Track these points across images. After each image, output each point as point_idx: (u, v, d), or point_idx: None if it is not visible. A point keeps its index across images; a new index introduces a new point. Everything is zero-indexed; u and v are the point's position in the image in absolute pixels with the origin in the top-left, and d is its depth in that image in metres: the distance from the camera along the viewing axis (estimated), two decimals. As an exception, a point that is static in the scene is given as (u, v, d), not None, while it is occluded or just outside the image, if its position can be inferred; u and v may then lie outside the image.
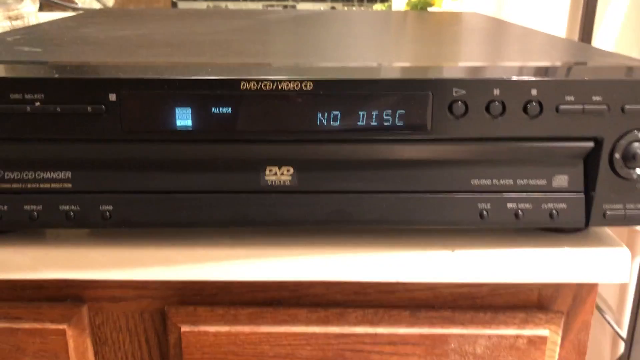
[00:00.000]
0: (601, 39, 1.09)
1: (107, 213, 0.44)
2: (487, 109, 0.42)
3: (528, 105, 0.42)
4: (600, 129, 0.43)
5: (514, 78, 0.42)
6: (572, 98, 0.42)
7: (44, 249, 0.47)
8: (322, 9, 1.19)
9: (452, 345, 0.50)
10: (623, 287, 0.91)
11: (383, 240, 0.48)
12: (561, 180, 0.45)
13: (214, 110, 0.41)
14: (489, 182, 0.45)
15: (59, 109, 0.41)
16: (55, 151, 0.42)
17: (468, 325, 0.50)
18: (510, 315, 0.50)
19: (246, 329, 0.49)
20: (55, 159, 0.43)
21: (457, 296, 0.51)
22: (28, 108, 0.40)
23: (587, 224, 0.45)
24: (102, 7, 1.11)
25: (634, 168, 0.43)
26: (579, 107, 0.42)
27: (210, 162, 0.44)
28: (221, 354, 0.50)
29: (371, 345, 0.50)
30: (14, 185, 0.43)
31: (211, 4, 1.25)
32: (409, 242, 0.47)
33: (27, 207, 0.43)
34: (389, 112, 0.42)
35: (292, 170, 0.44)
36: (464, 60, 0.52)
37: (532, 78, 0.42)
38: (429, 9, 1.07)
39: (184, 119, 0.41)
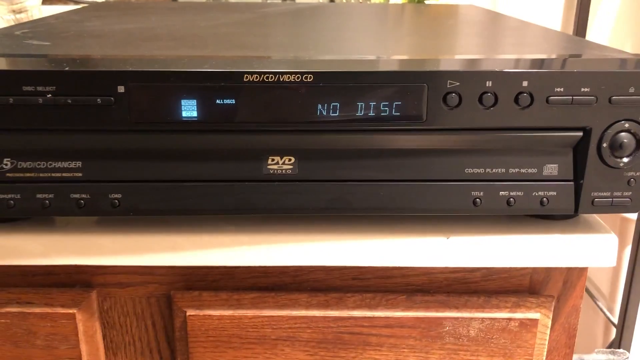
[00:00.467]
0: (595, 32, 1.10)
1: (116, 201, 0.45)
2: (480, 100, 0.44)
3: (519, 97, 0.44)
4: (588, 119, 0.44)
5: (506, 70, 0.43)
6: (561, 89, 0.44)
7: (54, 236, 0.49)
8: (321, 0, 1.20)
9: (447, 328, 0.51)
10: (615, 276, 0.93)
11: (380, 227, 0.49)
12: (551, 168, 0.46)
13: (218, 101, 0.43)
14: (482, 170, 0.46)
15: (69, 101, 0.42)
16: (66, 141, 0.44)
17: (462, 309, 0.51)
18: (503, 300, 0.52)
19: (249, 312, 0.51)
20: (65, 149, 0.45)
21: (452, 281, 0.53)
22: (40, 100, 0.42)
23: (576, 210, 0.47)
24: None
25: (620, 157, 0.45)
26: (568, 98, 0.44)
27: (214, 152, 0.45)
28: (225, 336, 0.51)
29: (369, 328, 0.51)
30: (27, 175, 0.45)
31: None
32: (406, 229, 0.49)
33: (39, 196, 0.45)
34: (386, 103, 0.44)
35: (293, 159, 0.46)
36: (458, 53, 0.54)
37: (523, 70, 0.43)
38: (426, 2, 1.08)
39: (189, 110, 0.43)
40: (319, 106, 0.43)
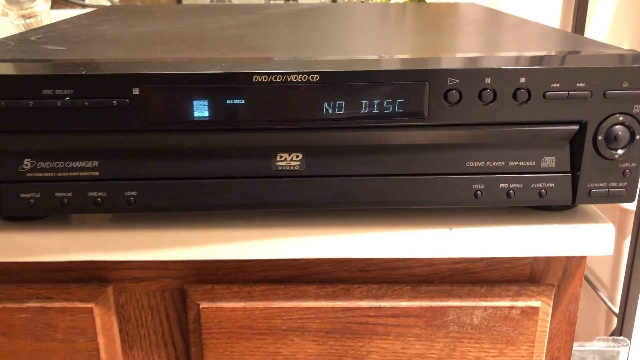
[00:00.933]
0: (594, 29, 1.12)
1: (132, 198, 0.47)
2: (480, 96, 0.45)
3: (517, 93, 0.45)
4: (584, 113, 0.46)
5: (504, 67, 0.45)
6: (557, 85, 0.45)
7: (71, 233, 0.50)
8: (323, 1, 1.22)
9: (451, 316, 0.53)
10: (616, 266, 0.95)
11: (385, 220, 0.51)
12: (549, 161, 0.48)
13: (228, 101, 0.45)
14: (482, 164, 0.48)
15: (86, 103, 0.44)
16: (84, 142, 0.46)
17: (465, 298, 0.53)
18: (505, 289, 0.53)
19: (260, 304, 0.53)
20: (83, 149, 0.46)
21: (455, 271, 0.54)
22: (59, 103, 0.44)
23: (573, 201, 0.49)
24: (109, 2, 1.14)
25: (615, 149, 0.47)
26: (564, 93, 0.45)
27: (225, 150, 0.47)
28: (237, 327, 0.53)
29: (375, 318, 0.53)
30: (46, 174, 0.47)
31: (214, -2, 1.28)
32: (410, 221, 0.51)
33: (58, 194, 0.47)
34: (389, 100, 0.46)
35: (300, 156, 0.48)
36: (458, 51, 0.56)
37: (521, 67, 0.45)
38: (427, 0, 1.10)
39: (201, 110, 0.45)
40: (325, 104, 0.45)
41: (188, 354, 0.57)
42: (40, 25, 0.95)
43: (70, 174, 0.47)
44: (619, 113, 0.46)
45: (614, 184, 0.48)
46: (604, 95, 0.45)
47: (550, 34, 0.60)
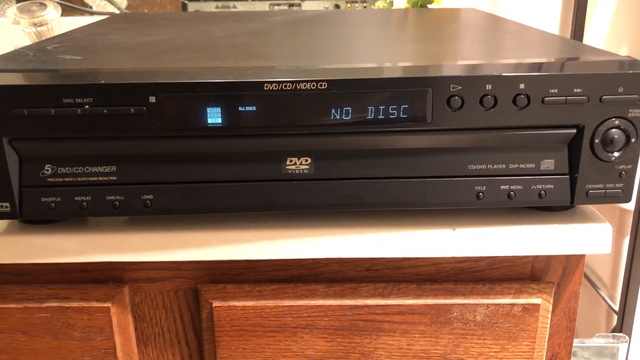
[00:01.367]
0: (593, 34, 1.14)
1: (148, 202, 0.49)
2: (481, 102, 0.47)
3: (517, 98, 0.47)
4: (581, 118, 0.48)
5: (504, 74, 0.47)
6: (555, 91, 0.47)
7: (89, 236, 0.52)
8: (326, 6, 1.24)
9: (455, 313, 0.55)
10: (616, 266, 0.97)
11: (391, 221, 0.53)
12: (548, 163, 0.50)
13: (240, 108, 0.47)
14: (484, 166, 0.50)
15: (105, 111, 0.46)
16: (102, 148, 0.48)
17: (468, 296, 0.55)
18: (506, 286, 0.55)
19: (270, 303, 0.55)
20: (102, 155, 0.49)
21: (458, 270, 0.56)
22: (79, 111, 0.46)
23: (572, 202, 0.51)
24: (116, 9, 1.16)
25: (612, 151, 0.49)
26: (562, 98, 0.47)
27: (237, 155, 0.49)
28: (249, 325, 0.55)
29: (382, 315, 0.55)
30: (66, 179, 0.49)
31: (220, 4, 1.30)
32: (414, 222, 0.53)
33: (77, 198, 0.49)
34: (394, 106, 0.47)
35: (309, 160, 0.49)
36: (460, 58, 0.58)
37: (520, 74, 0.47)
38: (429, 6, 1.12)
39: (214, 117, 0.47)
40: (333, 110, 0.47)
41: (201, 352, 0.59)
42: (51, 32, 0.97)
43: (89, 178, 0.49)
44: (615, 117, 0.48)
45: (611, 185, 0.50)
46: (600, 100, 0.47)
47: (548, 41, 0.62)
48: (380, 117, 0.48)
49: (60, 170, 0.49)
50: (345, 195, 0.50)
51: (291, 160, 0.49)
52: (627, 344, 0.78)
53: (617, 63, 0.49)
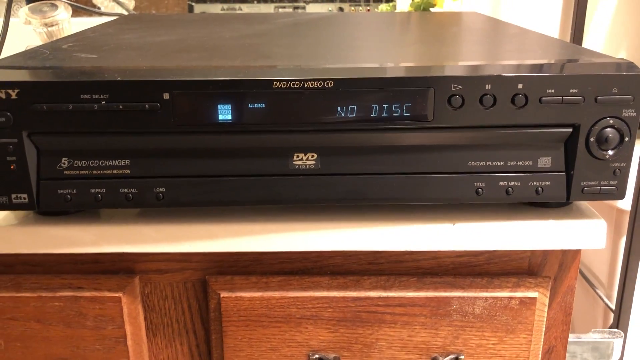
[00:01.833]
0: (592, 36, 1.16)
1: (160, 194, 0.51)
2: (481, 101, 0.49)
3: (515, 98, 0.49)
4: (577, 117, 0.50)
5: (503, 75, 0.49)
6: (552, 91, 0.49)
7: (102, 227, 0.54)
8: (330, 9, 1.26)
9: (454, 306, 0.57)
10: (612, 265, 0.98)
11: (393, 215, 0.55)
12: (545, 161, 0.52)
13: (250, 106, 0.49)
14: (483, 163, 0.52)
15: (121, 107, 0.48)
16: (117, 142, 0.50)
17: (467, 289, 0.57)
18: (504, 280, 0.57)
19: (276, 294, 0.57)
20: (116, 149, 0.51)
21: (458, 264, 0.58)
22: (95, 106, 0.48)
23: (568, 198, 0.52)
24: (124, 10, 1.18)
25: (606, 150, 0.51)
26: (559, 98, 0.49)
27: (246, 150, 0.51)
28: (255, 316, 0.57)
29: (384, 307, 0.57)
30: (82, 172, 0.51)
31: (225, 6, 1.32)
32: (416, 217, 0.55)
33: (92, 190, 0.51)
34: (397, 105, 0.49)
35: (315, 155, 0.51)
36: (461, 59, 0.60)
37: (519, 74, 0.49)
38: (432, 10, 1.14)
39: (225, 113, 0.49)
40: (339, 108, 0.49)
41: (208, 341, 0.60)
42: (61, 32, 0.99)
43: (104, 171, 0.51)
44: (609, 117, 0.50)
45: (605, 182, 0.52)
46: (595, 100, 0.49)
47: (547, 43, 0.64)
48: (384, 115, 0.49)
49: (76, 163, 0.51)
50: (349, 190, 0.52)
51: (298, 156, 0.51)
52: (621, 339, 0.79)
53: (611, 65, 0.51)
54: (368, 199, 0.53)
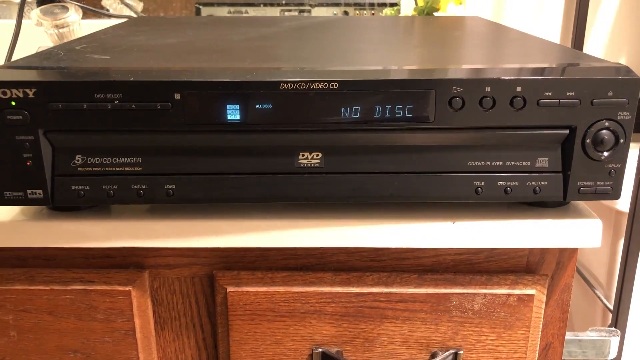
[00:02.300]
0: (593, 41, 1.17)
1: (171, 191, 0.53)
2: (481, 103, 0.51)
3: (514, 100, 0.51)
4: (574, 119, 0.51)
5: (502, 78, 0.50)
6: (550, 94, 0.51)
7: (113, 222, 0.56)
8: (335, 13, 1.28)
9: (454, 302, 0.58)
10: (611, 266, 1.00)
11: (395, 214, 0.56)
12: (542, 161, 0.54)
13: (257, 106, 0.51)
14: (482, 163, 0.53)
15: (133, 106, 0.50)
16: (129, 140, 0.52)
17: (467, 286, 0.58)
18: (503, 278, 0.58)
19: (281, 289, 0.58)
20: (128, 147, 0.52)
21: (458, 262, 0.60)
22: (109, 105, 0.50)
23: (564, 198, 0.54)
24: (133, 13, 1.20)
25: (602, 151, 0.52)
26: (556, 101, 0.51)
27: (253, 149, 0.53)
28: (260, 310, 0.59)
29: (385, 303, 0.59)
30: (95, 169, 0.53)
31: (232, 9, 1.34)
32: (417, 215, 0.56)
33: (105, 187, 0.53)
34: (400, 106, 0.51)
35: (320, 155, 0.53)
36: (462, 63, 0.61)
37: (517, 78, 0.51)
38: (435, 14, 1.16)
39: (233, 113, 0.51)
40: (343, 109, 0.51)
41: (214, 335, 0.62)
42: (72, 33, 1.01)
43: (116, 168, 0.53)
44: (605, 119, 0.51)
45: (601, 183, 0.53)
46: (592, 103, 0.51)
47: (547, 48, 0.65)
48: (387, 116, 0.51)
49: (90, 160, 0.53)
50: (353, 188, 0.54)
51: (303, 155, 0.53)
52: (618, 337, 0.81)
53: (608, 69, 0.52)
54: (370, 197, 0.54)
